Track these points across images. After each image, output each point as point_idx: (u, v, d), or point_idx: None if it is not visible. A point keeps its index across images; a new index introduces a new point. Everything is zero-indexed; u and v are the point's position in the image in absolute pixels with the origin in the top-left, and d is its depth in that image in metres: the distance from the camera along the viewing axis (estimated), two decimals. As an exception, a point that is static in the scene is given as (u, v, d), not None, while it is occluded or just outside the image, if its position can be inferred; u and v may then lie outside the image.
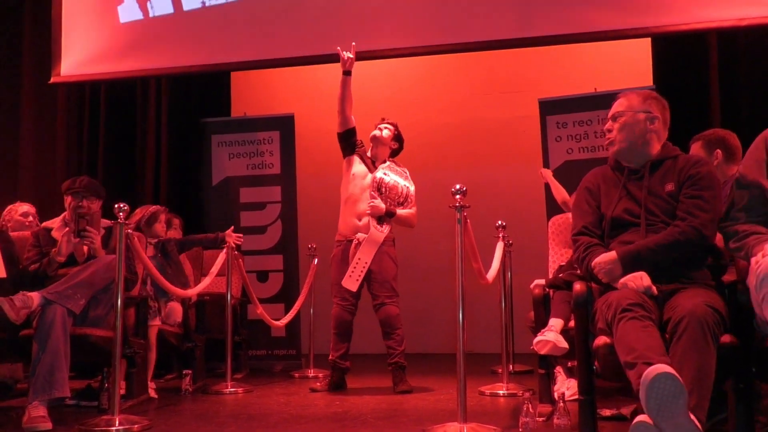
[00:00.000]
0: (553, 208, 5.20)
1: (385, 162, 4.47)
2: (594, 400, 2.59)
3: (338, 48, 4.35)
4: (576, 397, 2.79)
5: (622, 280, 2.45)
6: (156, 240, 4.52)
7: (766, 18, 4.60)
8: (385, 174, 4.38)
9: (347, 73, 4.35)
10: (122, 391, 3.59)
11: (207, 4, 5.69)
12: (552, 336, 3.25)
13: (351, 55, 4.34)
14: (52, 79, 5.97)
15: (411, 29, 5.27)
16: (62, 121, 6.58)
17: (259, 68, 6.28)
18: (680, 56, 5.47)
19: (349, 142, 4.48)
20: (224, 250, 4.66)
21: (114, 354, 3.23)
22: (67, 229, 3.66)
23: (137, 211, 4.61)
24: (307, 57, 5.45)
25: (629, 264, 2.49)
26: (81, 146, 6.56)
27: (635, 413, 3.06)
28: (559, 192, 5.03)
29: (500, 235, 4.33)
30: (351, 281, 4.28)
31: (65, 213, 3.90)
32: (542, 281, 3.62)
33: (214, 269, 4.62)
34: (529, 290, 3.67)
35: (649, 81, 5.47)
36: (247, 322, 5.68)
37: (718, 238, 2.61)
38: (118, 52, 5.81)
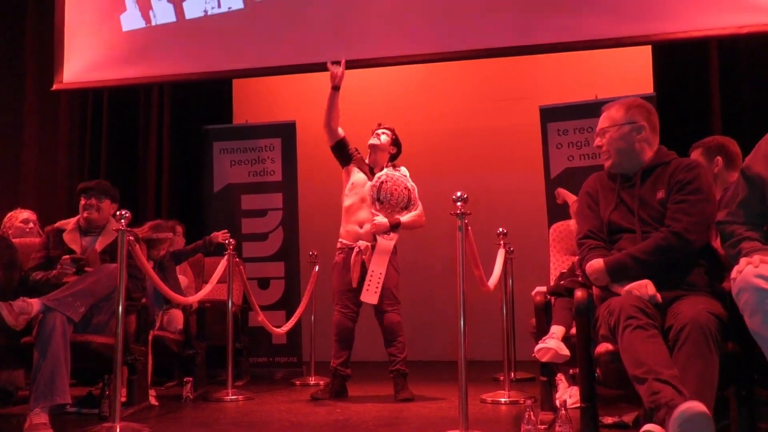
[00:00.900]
0: (555, 215, 5.19)
1: (383, 168, 4.47)
2: (596, 408, 2.58)
3: (328, 62, 4.35)
4: (578, 404, 2.78)
5: (627, 287, 2.45)
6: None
7: (766, 25, 4.61)
8: (382, 182, 4.37)
9: (336, 88, 4.35)
10: (123, 399, 3.58)
11: (209, 13, 5.71)
12: (553, 343, 3.24)
13: (340, 70, 4.33)
14: (55, 86, 5.99)
15: (412, 37, 5.29)
16: (65, 128, 6.60)
17: (260, 75, 6.30)
18: (681, 64, 5.48)
19: (342, 153, 4.50)
20: (225, 257, 4.66)
21: (115, 361, 3.23)
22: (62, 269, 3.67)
23: (159, 221, 4.60)
24: (309, 64, 5.46)
25: (615, 273, 2.52)
26: (83, 153, 6.57)
27: (637, 421, 3.06)
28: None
29: (501, 242, 4.33)
30: (370, 295, 4.27)
31: (79, 216, 3.93)
32: (543, 288, 3.62)
33: (215, 276, 4.62)
34: (530, 297, 3.66)
35: (649, 88, 5.48)
36: (248, 329, 5.68)
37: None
38: (120, 59, 5.83)
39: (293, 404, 4.16)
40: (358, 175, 4.45)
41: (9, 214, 4.86)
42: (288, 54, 5.50)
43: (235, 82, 6.70)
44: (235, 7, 5.66)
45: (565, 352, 3.22)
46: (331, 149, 4.50)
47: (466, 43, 5.20)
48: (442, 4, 5.26)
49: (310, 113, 6.87)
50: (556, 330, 3.32)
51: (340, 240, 4.46)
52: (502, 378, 4.51)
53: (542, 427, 3.18)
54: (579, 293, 2.65)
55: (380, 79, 6.84)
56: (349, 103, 6.98)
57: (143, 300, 3.93)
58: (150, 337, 4.16)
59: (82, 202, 3.90)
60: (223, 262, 4.66)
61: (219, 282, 4.70)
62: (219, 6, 5.69)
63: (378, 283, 4.26)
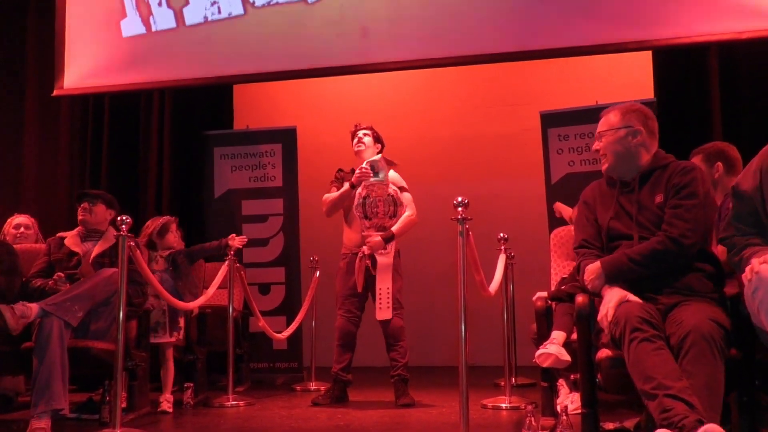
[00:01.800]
0: (555, 220, 5.20)
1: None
2: (597, 413, 2.58)
3: (365, 164, 4.32)
4: (579, 410, 2.78)
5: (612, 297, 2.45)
6: (167, 253, 4.52)
7: (766, 30, 4.62)
8: (365, 198, 4.30)
9: (353, 186, 4.33)
10: (123, 404, 3.58)
11: (209, 19, 5.72)
12: (554, 349, 3.24)
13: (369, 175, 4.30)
14: (56, 92, 6.00)
15: (412, 42, 5.29)
16: (65, 134, 6.60)
17: (261, 81, 6.30)
18: (681, 69, 5.48)
19: (338, 183, 4.52)
20: (226, 263, 4.66)
21: (116, 367, 3.23)
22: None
23: (148, 223, 4.60)
24: (310, 70, 5.47)
25: (612, 274, 2.53)
26: (84, 158, 6.57)
27: (638, 426, 3.06)
28: (571, 216, 5.02)
29: (502, 247, 4.33)
30: (383, 312, 4.26)
31: (79, 227, 3.97)
32: (544, 294, 3.61)
33: (216, 282, 4.62)
34: (531, 303, 3.66)
35: (650, 93, 5.48)
36: (248, 334, 5.67)
37: (721, 249, 2.61)
38: (121, 65, 5.84)
39: (294, 410, 4.16)
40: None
41: (8, 220, 4.87)
42: (288, 60, 5.50)
43: (236, 88, 6.71)
44: (235, 13, 5.67)
45: (566, 357, 3.21)
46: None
47: (466, 49, 5.20)
48: (442, 10, 5.26)
49: (311, 119, 6.91)
50: (557, 335, 3.32)
51: (343, 246, 4.47)
52: (503, 383, 4.51)
53: (543, 432, 3.18)
54: (580, 298, 2.65)
55: (381, 84, 6.85)
56: (351, 108, 7.02)
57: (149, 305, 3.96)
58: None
59: (77, 207, 4.00)
60: (223, 268, 4.66)
61: (219, 287, 4.69)
62: (219, 12, 5.70)
63: (388, 298, 4.26)
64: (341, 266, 4.44)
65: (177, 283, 4.42)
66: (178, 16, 5.79)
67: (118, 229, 3.37)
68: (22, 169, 6.57)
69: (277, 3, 5.59)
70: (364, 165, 4.34)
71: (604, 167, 2.78)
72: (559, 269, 3.96)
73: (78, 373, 3.45)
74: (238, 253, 5.11)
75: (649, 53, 5.55)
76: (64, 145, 6.58)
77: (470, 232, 3.17)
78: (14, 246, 4.11)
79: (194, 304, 4.37)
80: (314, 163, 6.66)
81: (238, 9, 5.67)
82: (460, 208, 3.09)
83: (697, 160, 3.31)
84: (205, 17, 5.73)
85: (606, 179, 2.82)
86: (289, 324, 5.46)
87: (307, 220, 6.31)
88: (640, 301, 2.41)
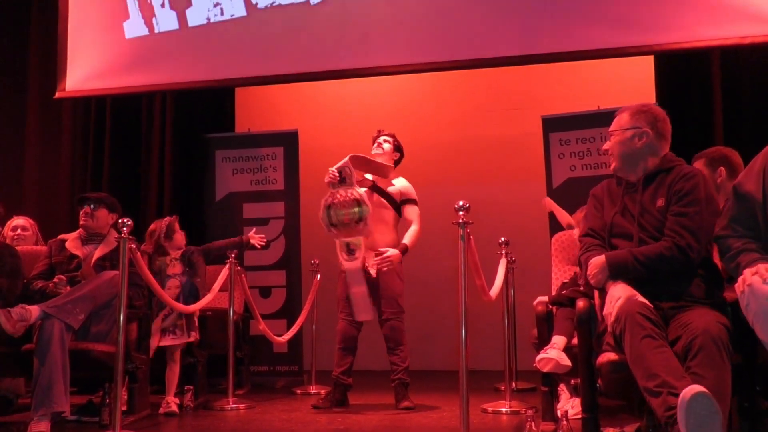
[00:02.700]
0: (557, 225, 5.19)
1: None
2: (597, 419, 2.58)
3: (332, 171, 4.23)
4: (579, 415, 2.78)
5: (616, 295, 2.46)
6: (179, 253, 4.51)
7: (768, 36, 4.62)
8: (328, 207, 4.24)
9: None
10: (123, 407, 3.57)
11: (212, 21, 5.72)
12: (555, 353, 3.24)
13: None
14: (58, 94, 6.00)
15: (415, 46, 5.30)
16: (67, 136, 6.61)
17: (263, 84, 6.31)
18: (683, 74, 5.49)
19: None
20: (227, 265, 4.66)
21: (116, 369, 3.23)
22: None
23: (151, 228, 4.58)
24: (312, 73, 5.48)
25: (615, 270, 2.54)
26: (86, 160, 6.57)
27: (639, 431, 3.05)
28: (564, 216, 5.01)
29: (503, 251, 4.33)
30: (362, 314, 4.27)
31: (80, 230, 3.96)
32: (545, 298, 3.62)
33: (217, 284, 4.62)
34: (532, 307, 3.66)
35: (651, 98, 5.48)
36: (249, 337, 5.66)
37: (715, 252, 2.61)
38: (123, 67, 5.85)
39: (294, 413, 4.15)
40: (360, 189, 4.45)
41: (7, 223, 4.86)
42: (291, 62, 5.51)
43: (238, 91, 6.72)
44: (237, 15, 5.68)
45: (567, 362, 3.21)
46: None
47: (468, 53, 5.20)
48: (445, 14, 5.27)
49: (313, 122, 6.92)
50: (558, 340, 3.32)
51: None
52: (503, 388, 4.50)
53: (544, 437, 3.17)
54: (581, 303, 2.65)
55: (383, 87, 6.86)
56: (353, 111, 7.03)
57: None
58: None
59: (79, 211, 3.98)
60: (224, 271, 4.66)
61: (220, 290, 4.69)
62: (222, 14, 5.71)
63: (364, 301, 4.24)
64: (342, 270, 4.43)
65: (195, 281, 4.45)
66: (181, 18, 5.80)
67: (119, 232, 3.36)
68: (23, 170, 6.58)
69: (279, 4, 5.60)
70: (332, 169, 4.28)
71: (612, 167, 2.82)
72: (560, 274, 3.96)
73: (78, 375, 3.45)
74: (240, 256, 5.11)
75: (651, 58, 5.55)
76: (66, 147, 6.59)
77: (471, 236, 3.17)
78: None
79: (195, 307, 4.37)
80: (316, 166, 6.63)
81: (240, 10, 5.67)
82: (461, 212, 3.09)
83: (699, 164, 3.31)
84: (208, 18, 5.73)
85: (615, 179, 2.85)
86: (289, 327, 5.45)
87: (309, 223, 6.30)
88: (646, 301, 2.40)
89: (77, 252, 3.88)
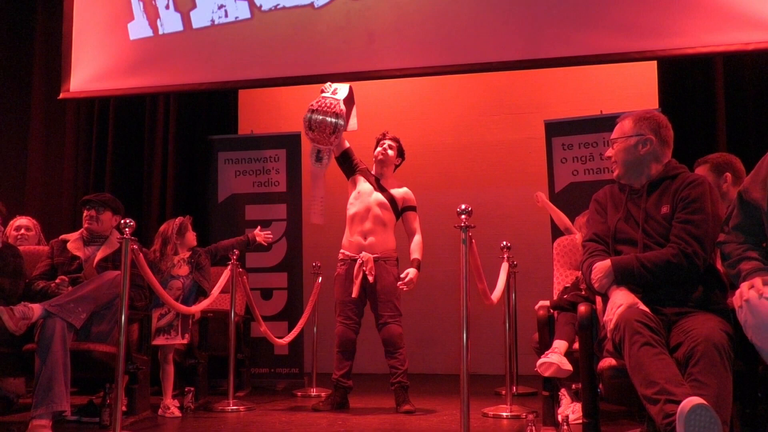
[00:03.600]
0: (558, 230, 5.19)
1: (387, 178, 4.51)
2: (598, 424, 2.57)
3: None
4: (580, 420, 2.77)
5: (619, 301, 2.45)
6: (188, 254, 4.51)
7: (772, 42, 4.62)
8: (313, 111, 4.39)
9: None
10: (123, 408, 3.57)
11: (216, 23, 5.73)
12: (556, 358, 3.23)
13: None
14: (62, 95, 6.02)
15: (418, 50, 5.30)
16: (70, 137, 6.62)
17: (266, 86, 6.31)
18: (686, 79, 5.48)
19: (347, 163, 4.53)
20: (228, 267, 4.66)
21: (117, 370, 3.23)
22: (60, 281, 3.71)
23: (162, 226, 4.57)
24: (315, 76, 5.48)
25: (621, 276, 2.53)
26: (89, 161, 6.59)
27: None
28: (560, 218, 5.00)
29: (505, 256, 4.32)
30: (316, 217, 4.42)
31: (82, 229, 3.96)
32: (547, 302, 3.61)
33: (218, 286, 4.62)
34: (533, 311, 3.66)
35: (654, 104, 5.48)
36: (250, 339, 5.66)
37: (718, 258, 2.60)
38: (127, 68, 5.86)
39: (294, 415, 4.15)
40: (364, 185, 4.47)
41: (10, 223, 4.87)
42: (294, 65, 5.51)
43: (241, 93, 6.73)
44: (242, 17, 5.69)
45: (568, 367, 3.21)
46: (336, 159, 4.51)
47: (471, 57, 5.21)
48: (448, 18, 5.27)
49: (316, 125, 6.91)
50: (559, 345, 3.31)
51: (342, 251, 4.46)
52: (504, 392, 4.49)
53: (544, 442, 3.17)
54: (582, 308, 2.65)
55: (386, 91, 6.86)
56: (356, 114, 7.01)
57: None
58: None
59: (84, 213, 3.99)
60: (226, 272, 4.66)
61: (222, 292, 4.69)
62: (226, 16, 5.72)
63: (321, 205, 4.39)
64: (339, 272, 4.44)
65: (204, 284, 4.46)
66: (185, 20, 5.81)
67: (121, 233, 3.36)
68: (26, 171, 6.59)
69: (284, 7, 5.60)
70: (333, 84, 4.53)
71: (614, 174, 2.82)
72: (562, 278, 3.96)
73: (79, 375, 3.45)
74: (241, 257, 5.10)
75: (654, 63, 5.55)
76: (69, 148, 6.60)
77: (473, 240, 3.16)
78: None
79: (196, 309, 4.37)
80: (318, 168, 6.66)
81: (245, 13, 5.68)
82: (463, 216, 3.09)
83: (703, 170, 3.30)
84: (212, 21, 5.74)
85: (618, 185, 2.84)
86: (290, 329, 5.45)
87: (311, 225, 6.30)
88: (647, 309, 2.40)
89: (78, 253, 3.89)
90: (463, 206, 3.10)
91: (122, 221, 3.36)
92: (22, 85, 6.70)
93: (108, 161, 6.51)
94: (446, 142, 7.07)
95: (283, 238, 6.02)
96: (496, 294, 3.92)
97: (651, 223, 2.63)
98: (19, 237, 4.79)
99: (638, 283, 2.50)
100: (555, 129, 5.75)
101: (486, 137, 7.01)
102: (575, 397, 3.74)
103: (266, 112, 7.24)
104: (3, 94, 6.72)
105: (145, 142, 6.54)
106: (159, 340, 4.16)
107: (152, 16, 5.87)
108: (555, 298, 3.82)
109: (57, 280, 3.69)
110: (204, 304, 4.43)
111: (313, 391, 5.17)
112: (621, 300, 2.43)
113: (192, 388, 4.34)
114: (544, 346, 3.41)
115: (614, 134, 2.82)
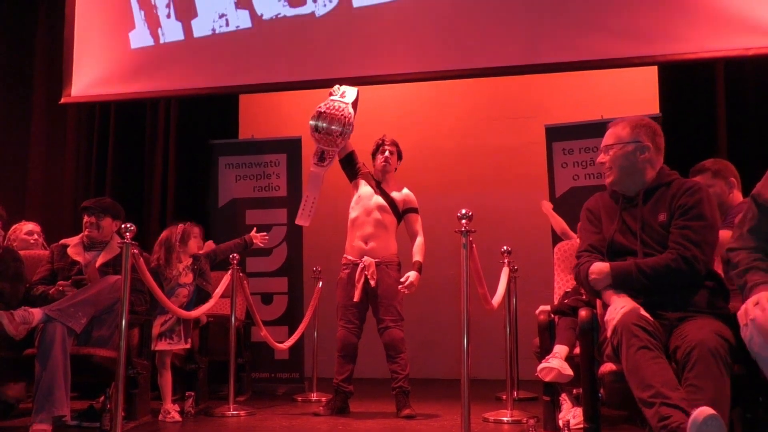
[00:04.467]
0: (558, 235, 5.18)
1: (388, 182, 4.51)
2: (599, 429, 2.57)
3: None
4: (581, 425, 2.77)
5: (618, 306, 2.44)
6: (190, 261, 4.50)
7: (773, 47, 4.62)
8: (321, 114, 4.39)
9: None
10: (123, 413, 3.57)
11: (217, 32, 5.75)
12: (556, 363, 3.23)
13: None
14: (63, 100, 6.03)
15: (419, 54, 5.31)
16: (71, 141, 6.63)
17: (267, 91, 6.33)
18: (687, 84, 5.49)
19: (351, 166, 4.54)
20: (229, 272, 4.66)
21: (117, 374, 3.22)
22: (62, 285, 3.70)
23: (164, 234, 4.55)
24: (315, 81, 5.49)
25: (618, 279, 2.52)
26: (89, 166, 6.60)
27: (641, 442, 3.04)
28: (558, 223, 5.01)
29: (505, 260, 4.32)
30: (303, 218, 4.40)
31: (82, 234, 3.96)
32: (547, 307, 3.61)
33: (219, 291, 4.61)
34: (534, 316, 3.65)
35: (655, 109, 5.49)
36: (250, 344, 5.66)
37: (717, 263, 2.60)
38: (128, 74, 5.88)
39: (295, 420, 4.15)
40: (364, 188, 4.48)
41: (13, 227, 4.88)
42: (295, 70, 5.53)
43: (242, 98, 6.73)
44: (243, 26, 5.71)
45: (569, 371, 3.20)
46: (339, 162, 4.52)
47: (472, 62, 5.22)
48: (449, 23, 5.29)
49: (316, 129, 6.91)
50: (560, 349, 3.31)
51: (345, 256, 4.46)
52: (504, 397, 4.49)
53: (545, 447, 3.17)
54: (583, 312, 2.65)
55: (386, 96, 6.86)
56: (356, 119, 7.00)
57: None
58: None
59: (84, 219, 3.98)
60: (226, 277, 4.66)
61: (222, 296, 4.69)
62: (227, 25, 5.74)
63: (311, 207, 4.37)
64: (342, 276, 4.44)
65: (207, 287, 4.47)
66: (186, 29, 5.82)
67: (122, 237, 3.36)
68: (27, 174, 6.60)
69: (285, 16, 5.62)
70: (342, 87, 4.53)
71: (608, 180, 2.77)
72: (563, 283, 3.96)
73: (79, 380, 3.45)
74: (242, 262, 5.10)
75: (655, 68, 5.56)
76: (70, 153, 6.61)
77: (474, 245, 3.16)
78: (23, 252, 4.12)
79: (197, 313, 4.37)
80: (319, 173, 6.66)
81: (246, 22, 5.70)
82: (463, 221, 3.09)
83: (705, 178, 3.28)
84: (213, 30, 5.76)
85: (609, 192, 2.81)
86: (291, 334, 5.45)
87: (311, 230, 6.30)
88: (647, 314, 2.39)
89: (79, 258, 3.88)
90: (463, 210, 3.10)
91: (123, 226, 3.36)
92: (24, 89, 6.72)
93: (109, 165, 6.51)
94: (447, 146, 7.07)
95: (283, 243, 6.02)
96: (497, 298, 3.92)
97: (648, 231, 2.61)
98: (32, 242, 4.80)
99: (636, 290, 2.50)
100: (556, 134, 5.75)
101: (487, 142, 7.01)
102: (576, 402, 3.73)
103: (267, 117, 7.24)
104: (5, 98, 6.74)
105: (146, 147, 6.55)
106: (161, 345, 4.16)
107: (153, 25, 5.89)
108: (556, 302, 3.82)
109: (59, 287, 3.67)
110: (206, 307, 4.42)
111: (314, 396, 5.16)
112: (624, 303, 2.43)
113: (192, 393, 4.34)
114: (545, 350, 3.41)
115: (609, 140, 2.77)
